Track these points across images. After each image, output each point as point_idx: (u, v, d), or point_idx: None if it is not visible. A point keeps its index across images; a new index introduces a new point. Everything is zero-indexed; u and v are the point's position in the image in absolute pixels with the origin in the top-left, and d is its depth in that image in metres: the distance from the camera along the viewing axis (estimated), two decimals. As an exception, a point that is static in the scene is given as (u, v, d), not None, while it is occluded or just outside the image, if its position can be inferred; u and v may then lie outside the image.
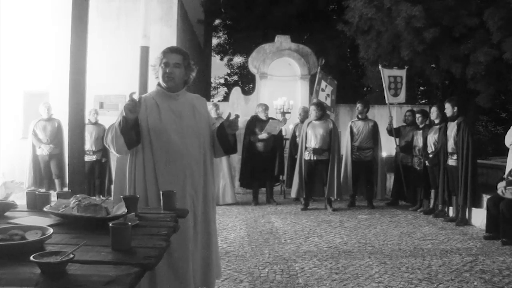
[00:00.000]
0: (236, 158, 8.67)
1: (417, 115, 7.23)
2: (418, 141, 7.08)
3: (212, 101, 15.51)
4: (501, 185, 5.38)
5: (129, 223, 1.54)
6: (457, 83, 11.64)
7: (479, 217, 5.94)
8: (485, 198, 5.81)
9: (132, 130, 2.53)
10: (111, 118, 8.62)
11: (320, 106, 7.25)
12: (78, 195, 1.91)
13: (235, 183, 7.98)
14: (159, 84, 2.77)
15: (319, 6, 14.96)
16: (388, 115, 8.01)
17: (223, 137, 2.78)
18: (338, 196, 7.10)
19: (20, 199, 2.17)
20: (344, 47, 15.19)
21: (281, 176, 8.00)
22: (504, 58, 8.90)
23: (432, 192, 6.89)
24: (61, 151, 7.62)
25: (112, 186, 7.56)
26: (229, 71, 24.49)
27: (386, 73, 8.24)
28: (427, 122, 7.12)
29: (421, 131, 7.07)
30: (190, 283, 2.58)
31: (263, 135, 7.36)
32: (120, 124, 2.50)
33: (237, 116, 2.71)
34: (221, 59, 20.93)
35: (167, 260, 2.49)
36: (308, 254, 4.59)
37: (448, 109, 6.24)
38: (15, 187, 2.28)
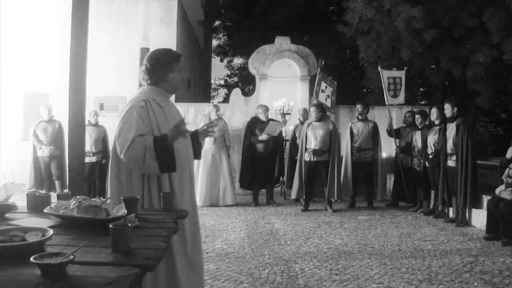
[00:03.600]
0: (236, 159, 8.68)
1: (417, 116, 7.24)
2: (417, 141, 7.09)
3: (213, 102, 15.53)
4: (499, 190, 5.38)
5: (129, 224, 1.54)
6: (457, 84, 11.65)
7: (479, 218, 5.94)
8: (485, 199, 5.81)
9: (168, 154, 2.39)
10: (111, 120, 8.70)
11: (320, 107, 7.26)
12: (78, 196, 1.92)
13: (235, 184, 7.97)
14: (155, 85, 2.63)
15: (319, 7, 15.01)
16: (388, 116, 8.01)
17: (195, 143, 2.82)
18: (338, 197, 7.10)
19: (20, 201, 2.17)
20: (344, 48, 15.23)
21: (281, 177, 8.00)
22: (503, 59, 8.91)
23: (432, 193, 6.89)
24: (62, 153, 7.61)
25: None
26: (229, 73, 24.51)
27: (385, 75, 8.25)
28: (427, 123, 7.13)
29: (420, 131, 7.07)
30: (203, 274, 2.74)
31: (263, 136, 7.36)
32: (156, 146, 2.35)
33: (215, 124, 2.90)
34: (221, 60, 20.98)
35: (185, 258, 2.55)
36: (308, 255, 4.59)
37: (448, 110, 6.23)
38: (15, 189, 2.28)
